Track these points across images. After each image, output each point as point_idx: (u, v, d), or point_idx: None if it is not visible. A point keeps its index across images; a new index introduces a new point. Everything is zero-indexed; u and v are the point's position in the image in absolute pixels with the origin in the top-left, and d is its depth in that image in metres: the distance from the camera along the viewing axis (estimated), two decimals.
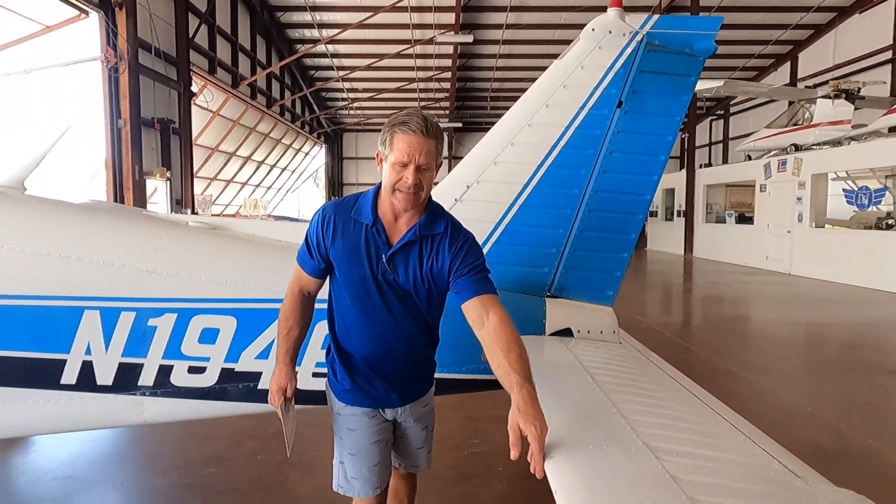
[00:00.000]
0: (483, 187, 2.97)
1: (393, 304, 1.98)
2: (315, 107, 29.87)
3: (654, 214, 23.22)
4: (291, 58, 22.19)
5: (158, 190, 14.27)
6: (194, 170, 16.57)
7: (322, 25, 22.06)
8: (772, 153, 16.09)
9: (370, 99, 28.08)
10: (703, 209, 19.24)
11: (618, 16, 2.89)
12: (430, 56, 24.09)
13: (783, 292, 12.01)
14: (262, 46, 21.92)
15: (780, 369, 6.26)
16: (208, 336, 2.67)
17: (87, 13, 11.63)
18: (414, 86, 26.71)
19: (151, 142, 13.52)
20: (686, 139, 20.10)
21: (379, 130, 1.92)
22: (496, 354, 1.76)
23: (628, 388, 2.13)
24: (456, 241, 1.97)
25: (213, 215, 16.31)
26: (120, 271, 2.59)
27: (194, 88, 15.80)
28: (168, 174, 13.91)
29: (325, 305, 2.15)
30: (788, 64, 24.37)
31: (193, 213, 14.91)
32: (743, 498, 1.35)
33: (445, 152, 23.89)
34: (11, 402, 2.59)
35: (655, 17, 2.91)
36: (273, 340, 2.67)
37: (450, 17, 20.77)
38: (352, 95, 28.97)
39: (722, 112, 30.70)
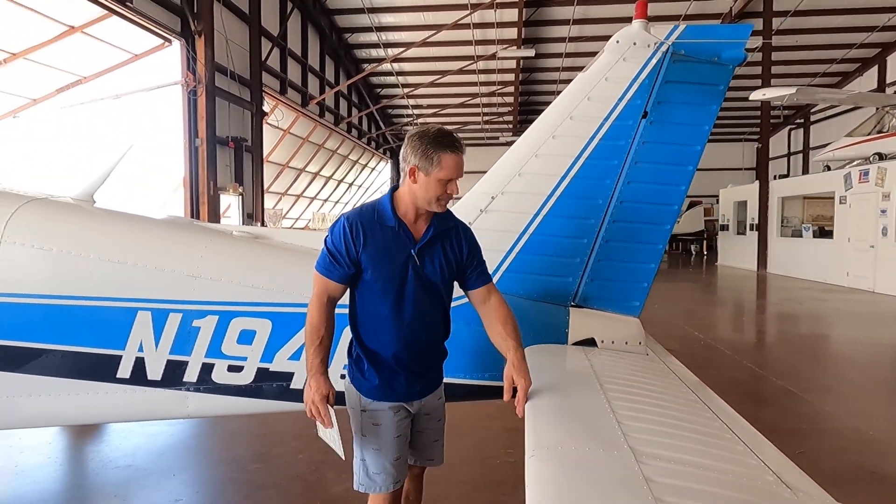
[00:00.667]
0: (507, 198, 3.04)
1: (420, 295, 2.17)
2: (381, 123, 30.76)
3: (725, 228, 22.26)
4: (357, 76, 23.01)
5: (232, 205, 15.13)
6: (266, 186, 17.46)
7: (387, 45, 22.78)
8: (853, 163, 15.12)
9: (434, 115, 28.60)
10: (777, 222, 18.28)
11: (642, 27, 2.90)
12: (492, 71, 24.33)
13: (864, 311, 11.23)
14: (330, 67, 22.89)
15: (846, 391, 5.89)
16: (246, 337, 2.87)
17: (170, 42, 12.61)
18: (477, 101, 27.02)
19: (226, 159, 14.40)
20: (759, 149, 19.18)
21: None
22: (496, 325, 2.21)
23: (635, 395, 2.13)
24: (467, 235, 2.29)
25: (283, 228, 17.07)
26: (169, 276, 2.84)
27: (266, 108, 16.69)
28: (241, 189, 14.73)
29: (345, 311, 2.29)
30: (875, 68, 22.94)
31: (263, 226, 15.67)
32: (715, 502, 1.36)
33: None
34: (76, 392, 2.87)
35: (682, 27, 2.89)
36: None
37: (512, 33, 20.95)
38: (416, 111, 29.63)
39: (802, 121, 29.18)
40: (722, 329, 10.14)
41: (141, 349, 2.83)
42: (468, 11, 18.87)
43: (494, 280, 2.95)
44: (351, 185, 31.13)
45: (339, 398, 2.46)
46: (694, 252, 28.20)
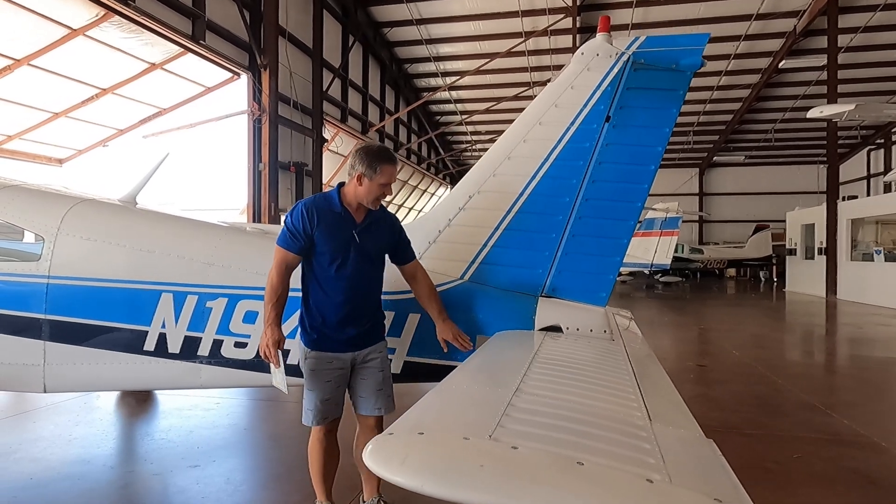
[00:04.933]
0: (483, 197, 3.34)
1: (359, 265, 2.79)
2: (440, 149, 31.55)
3: (792, 253, 21.26)
4: (416, 104, 23.88)
5: None
6: None
7: (445, 73, 23.58)
8: None
9: (490, 140, 29.07)
10: (847, 246, 17.33)
11: (605, 40, 3.17)
12: None
13: None
14: (390, 96, 23.89)
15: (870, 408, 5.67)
16: (250, 317, 3.28)
17: (238, 75, 13.74)
18: None
19: (287, 182, 15.34)
20: (828, 169, 18.35)
21: None
22: (424, 293, 2.94)
23: (562, 359, 2.34)
24: (395, 223, 2.99)
25: None
26: (189, 263, 3.32)
27: (327, 135, 17.68)
28: None
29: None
30: None
31: None
32: (550, 431, 1.51)
33: None
34: (111, 362, 3.37)
35: (642, 37, 3.14)
36: (296, 326, 3.26)
37: (566, 59, 21.19)
38: (474, 137, 30.23)
39: (882, 141, 27.62)
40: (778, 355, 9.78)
41: (164, 326, 3.30)
42: (522, 39, 19.38)
43: (469, 272, 3.30)
44: (411, 210, 31.96)
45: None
46: (763, 278, 26.98)
